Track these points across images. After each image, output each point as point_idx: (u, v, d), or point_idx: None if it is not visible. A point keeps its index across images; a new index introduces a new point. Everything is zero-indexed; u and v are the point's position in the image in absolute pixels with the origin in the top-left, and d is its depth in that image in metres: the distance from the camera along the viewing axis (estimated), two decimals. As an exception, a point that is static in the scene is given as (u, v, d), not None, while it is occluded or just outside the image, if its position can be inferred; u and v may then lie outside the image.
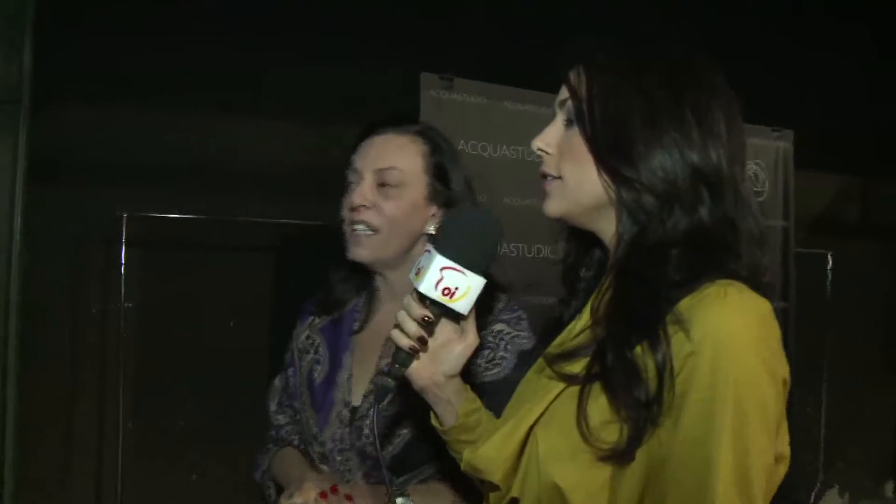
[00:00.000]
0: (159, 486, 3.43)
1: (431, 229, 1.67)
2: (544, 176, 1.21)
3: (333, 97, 3.61)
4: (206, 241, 3.59)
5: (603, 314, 1.11)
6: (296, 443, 1.77)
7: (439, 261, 1.17)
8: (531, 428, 1.10)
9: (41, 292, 3.27)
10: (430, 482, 1.58)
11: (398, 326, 1.23)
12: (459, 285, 1.17)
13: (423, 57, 3.39)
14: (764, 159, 4.16)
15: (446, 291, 1.16)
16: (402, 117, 1.76)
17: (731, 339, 0.97)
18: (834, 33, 4.59)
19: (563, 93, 1.18)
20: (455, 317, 1.22)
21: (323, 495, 1.46)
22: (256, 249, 3.67)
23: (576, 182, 1.15)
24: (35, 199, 3.18)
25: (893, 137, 4.93)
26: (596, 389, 1.05)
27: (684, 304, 1.01)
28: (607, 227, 1.17)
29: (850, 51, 4.70)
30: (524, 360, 1.52)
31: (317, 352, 1.76)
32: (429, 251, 1.20)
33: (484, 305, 1.55)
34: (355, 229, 1.64)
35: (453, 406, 1.28)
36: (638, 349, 1.02)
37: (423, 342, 1.22)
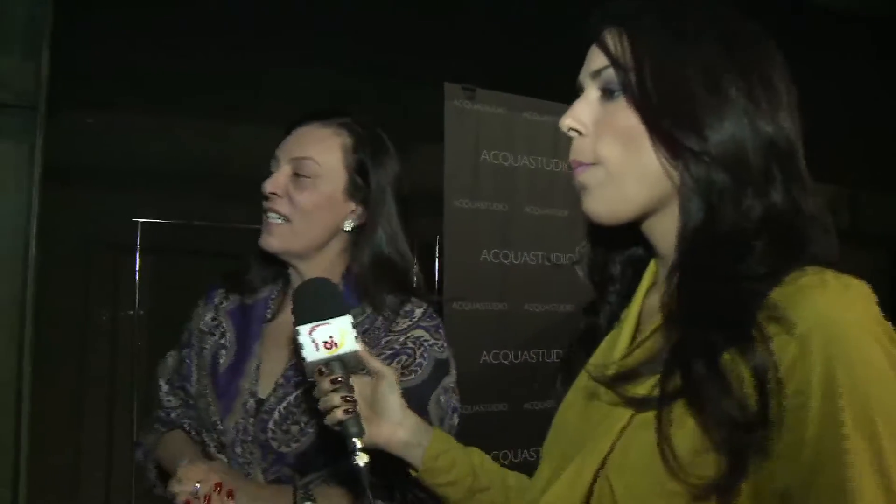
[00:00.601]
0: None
1: (349, 225, 1.62)
2: (576, 166, 1.00)
3: (354, 107, 3.60)
4: (217, 249, 3.59)
5: (672, 320, 0.93)
6: (186, 427, 1.69)
7: (302, 330, 1.21)
8: (600, 468, 0.93)
9: (55, 297, 3.28)
10: (332, 485, 1.53)
11: (325, 411, 1.20)
12: (333, 333, 1.20)
13: (447, 68, 3.37)
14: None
15: (327, 345, 1.20)
16: (333, 109, 1.69)
17: (845, 333, 0.81)
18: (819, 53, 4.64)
19: (598, 61, 0.98)
20: (355, 362, 1.23)
21: (217, 486, 1.43)
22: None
23: (624, 165, 0.96)
24: (50, 204, 3.19)
25: (879, 148, 4.96)
26: (679, 412, 0.88)
27: (776, 296, 0.85)
28: (662, 221, 0.99)
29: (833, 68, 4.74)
30: (439, 370, 1.56)
31: (223, 336, 1.68)
32: (295, 336, 1.23)
33: (400, 310, 1.59)
34: (268, 217, 1.59)
35: (418, 452, 1.24)
36: (727, 356, 0.85)
37: (350, 401, 1.19)
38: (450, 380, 1.58)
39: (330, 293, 1.26)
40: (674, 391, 0.87)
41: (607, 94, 0.97)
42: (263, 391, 1.58)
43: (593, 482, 0.92)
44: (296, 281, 1.64)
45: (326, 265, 1.62)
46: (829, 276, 0.85)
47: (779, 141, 0.93)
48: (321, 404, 1.20)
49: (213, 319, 1.70)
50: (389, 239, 1.61)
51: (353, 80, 3.79)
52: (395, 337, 1.58)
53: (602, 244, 1.10)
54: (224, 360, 1.64)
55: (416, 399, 1.42)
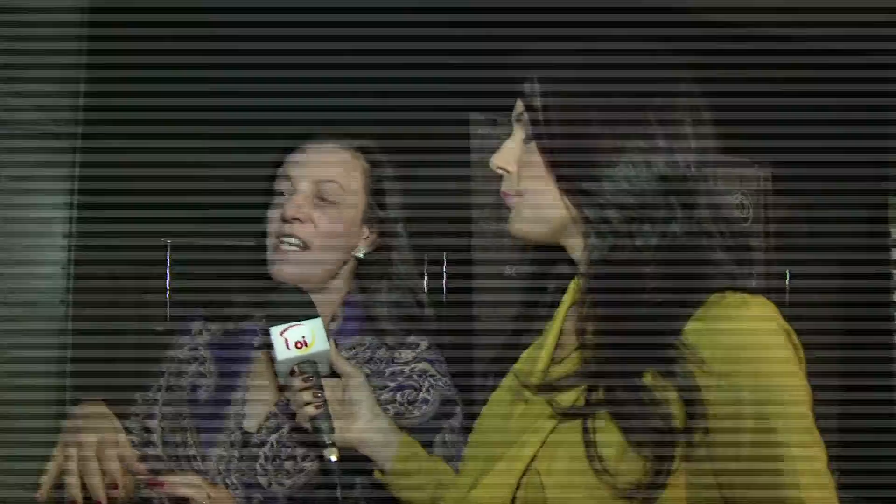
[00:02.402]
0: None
1: (361, 252, 1.54)
2: (505, 196, 1.10)
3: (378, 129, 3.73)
4: (245, 266, 3.68)
5: (593, 339, 0.99)
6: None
7: (274, 331, 1.23)
8: (527, 466, 0.97)
9: (90, 314, 3.40)
10: None
11: (297, 410, 1.23)
12: (304, 333, 1.23)
13: (473, 100, 3.52)
14: (748, 188, 4.56)
15: (299, 344, 1.22)
16: (343, 130, 1.57)
17: (766, 348, 0.90)
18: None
19: (519, 106, 1.08)
20: (325, 364, 1.26)
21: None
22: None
23: (537, 200, 1.05)
24: (85, 224, 3.35)
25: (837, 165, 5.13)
26: (603, 419, 0.93)
27: (696, 321, 0.92)
28: (575, 245, 1.07)
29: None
30: (446, 407, 1.48)
31: (202, 365, 1.55)
32: (268, 341, 1.26)
33: (403, 341, 1.52)
34: (283, 242, 1.45)
35: (385, 454, 1.26)
36: (647, 376, 0.92)
37: (319, 397, 1.20)
38: (456, 419, 1.49)
39: (301, 298, 1.28)
40: (597, 403, 0.94)
41: (527, 140, 1.06)
42: (251, 423, 1.46)
43: (520, 479, 0.97)
44: None
45: (333, 293, 1.53)
46: (745, 297, 0.93)
47: (673, 176, 0.98)
48: (292, 402, 1.23)
49: (191, 350, 1.58)
50: (403, 267, 1.55)
51: (383, 105, 3.90)
52: (399, 369, 1.49)
53: (538, 268, 1.20)
54: (205, 389, 1.52)
55: (422, 437, 1.35)
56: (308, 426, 1.21)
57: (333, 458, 1.16)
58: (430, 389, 1.48)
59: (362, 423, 1.25)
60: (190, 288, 3.59)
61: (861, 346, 5.28)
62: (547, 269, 1.19)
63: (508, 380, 1.12)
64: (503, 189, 1.10)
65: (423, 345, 1.52)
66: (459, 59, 3.92)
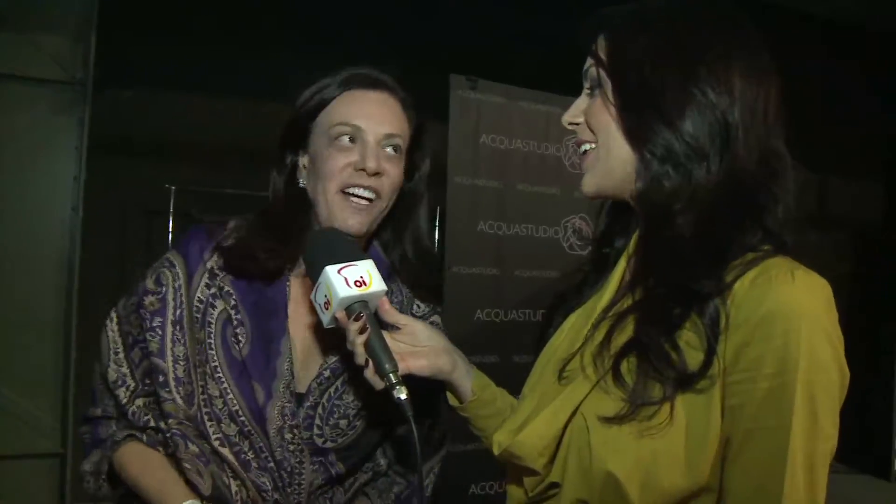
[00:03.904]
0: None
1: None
2: (580, 146, 1.11)
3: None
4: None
5: (639, 282, 1.04)
6: (147, 434, 1.34)
7: (331, 269, 1.18)
8: (575, 411, 1.02)
9: (97, 256, 3.59)
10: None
11: (356, 351, 1.18)
12: (361, 273, 1.19)
13: (451, 60, 3.63)
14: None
15: (358, 283, 1.18)
16: (394, 76, 1.48)
17: (804, 325, 0.90)
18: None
19: (587, 62, 1.10)
20: (376, 302, 1.22)
21: None
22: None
23: (605, 150, 1.06)
24: (94, 172, 3.51)
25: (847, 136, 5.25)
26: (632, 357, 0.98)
27: (740, 284, 0.94)
28: (635, 194, 1.07)
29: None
30: None
31: (235, 311, 1.39)
32: (318, 280, 1.20)
33: (421, 292, 1.52)
34: (355, 195, 1.38)
35: (467, 382, 1.27)
36: (686, 322, 0.95)
37: (380, 338, 1.18)
38: None
39: (349, 240, 1.25)
40: (633, 343, 0.98)
41: (592, 89, 1.09)
42: (301, 385, 1.40)
43: (567, 423, 1.02)
44: None
45: (362, 242, 1.45)
46: (799, 271, 0.93)
47: (730, 127, 0.99)
48: (351, 344, 1.18)
49: (215, 288, 1.40)
50: (423, 222, 1.52)
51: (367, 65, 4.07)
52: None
53: (607, 225, 1.21)
54: (243, 339, 1.37)
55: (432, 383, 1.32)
56: (370, 368, 1.18)
57: (403, 396, 1.12)
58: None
59: (449, 352, 1.27)
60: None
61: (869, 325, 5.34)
62: (618, 226, 1.20)
63: (570, 320, 1.16)
64: (577, 138, 1.12)
65: (434, 306, 1.55)
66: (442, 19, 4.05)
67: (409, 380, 1.16)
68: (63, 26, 3.47)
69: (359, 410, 1.41)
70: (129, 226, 3.92)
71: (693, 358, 0.93)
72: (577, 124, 1.11)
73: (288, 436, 1.36)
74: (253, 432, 1.35)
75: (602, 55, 1.06)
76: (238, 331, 1.37)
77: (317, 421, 1.38)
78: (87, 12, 3.47)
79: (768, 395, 0.90)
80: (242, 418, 1.34)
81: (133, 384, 1.37)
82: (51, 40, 3.46)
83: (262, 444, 1.35)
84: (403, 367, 1.17)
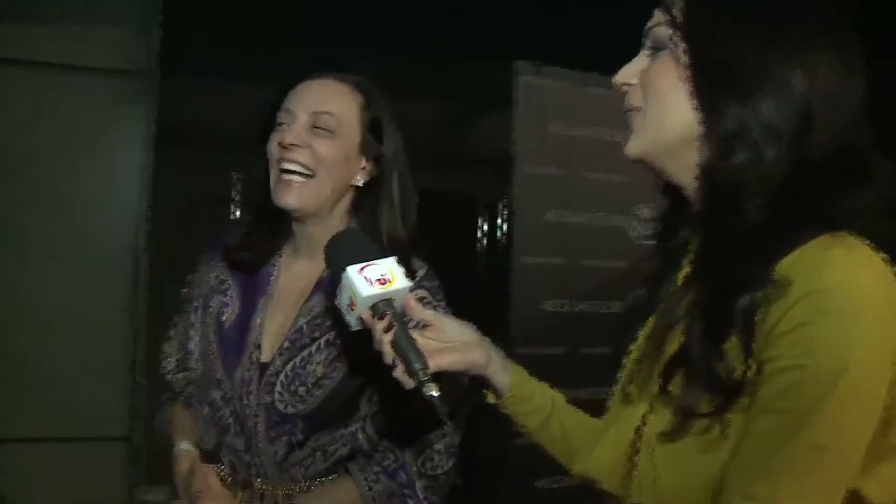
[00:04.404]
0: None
1: (360, 181, 1.58)
2: (628, 111, 1.06)
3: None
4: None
5: (694, 278, 0.99)
6: (185, 396, 1.69)
7: (352, 269, 1.18)
8: (639, 428, 1.00)
9: (164, 244, 3.62)
10: (337, 485, 1.54)
11: (388, 354, 1.16)
12: (384, 271, 1.18)
13: (517, 45, 3.59)
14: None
15: (381, 281, 1.17)
16: (343, 68, 1.63)
17: (845, 304, 0.83)
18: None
19: (655, 18, 1.03)
20: (402, 300, 1.21)
21: None
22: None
23: (659, 112, 1.00)
24: (160, 162, 3.54)
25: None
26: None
27: (787, 260, 0.88)
28: (688, 166, 1.01)
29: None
30: None
31: (225, 294, 1.62)
32: (341, 282, 1.20)
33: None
34: (285, 170, 1.50)
35: (502, 377, 1.24)
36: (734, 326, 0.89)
37: (407, 335, 1.16)
38: None
39: (368, 239, 1.28)
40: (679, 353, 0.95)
41: (655, 49, 1.02)
42: (265, 354, 1.55)
43: (634, 442, 1.01)
44: (301, 242, 1.61)
45: (336, 223, 1.57)
46: (853, 244, 0.87)
47: (813, 106, 0.93)
48: (378, 344, 1.17)
49: (218, 279, 1.64)
50: (401, 199, 1.58)
51: (427, 52, 4.07)
52: None
53: (670, 212, 1.14)
54: (228, 316, 1.60)
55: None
56: (399, 367, 1.15)
57: (435, 393, 1.11)
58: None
59: (481, 346, 1.24)
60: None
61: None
62: (677, 213, 1.13)
63: (645, 330, 1.11)
64: (626, 102, 1.06)
65: (420, 272, 1.58)
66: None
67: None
68: (129, 16, 3.50)
69: (318, 380, 1.50)
70: (195, 215, 3.95)
71: (740, 365, 0.88)
72: (631, 85, 1.05)
73: (245, 401, 1.53)
74: (233, 398, 1.55)
75: (677, 14, 1.00)
76: (227, 310, 1.61)
77: (277, 387, 1.51)
78: (152, 1, 3.50)
79: (785, 380, 0.85)
80: (224, 385, 1.56)
81: (176, 359, 1.70)
82: (116, 30, 3.49)
83: (238, 410, 1.54)
84: (433, 365, 1.14)
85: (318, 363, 1.52)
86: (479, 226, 5.56)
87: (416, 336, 1.17)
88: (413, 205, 1.61)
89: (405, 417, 1.49)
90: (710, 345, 0.90)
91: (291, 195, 1.51)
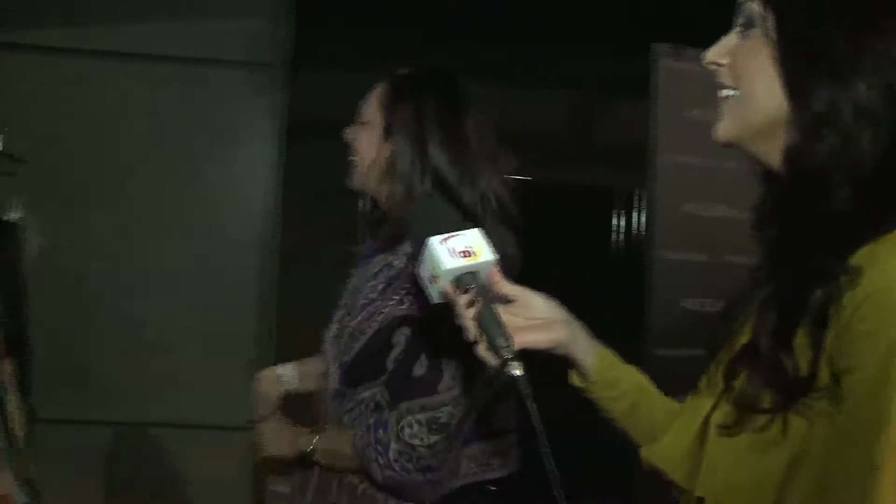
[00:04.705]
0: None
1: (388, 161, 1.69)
2: (720, 90, 1.01)
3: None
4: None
5: (771, 267, 0.96)
6: None
7: (434, 240, 1.12)
8: (706, 421, 0.98)
9: (296, 235, 3.67)
10: (344, 434, 1.59)
11: (470, 330, 1.11)
12: (468, 242, 1.12)
13: (654, 28, 3.45)
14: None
15: (465, 253, 1.11)
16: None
17: None
18: None
19: None
20: (486, 273, 1.14)
21: None
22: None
23: (748, 94, 0.97)
24: (292, 155, 3.57)
25: None
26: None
27: (862, 253, 0.84)
28: (778, 151, 0.97)
29: None
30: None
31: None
32: (423, 252, 1.15)
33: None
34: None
35: (588, 358, 1.18)
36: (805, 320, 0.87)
37: (491, 311, 1.10)
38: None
39: (451, 209, 1.22)
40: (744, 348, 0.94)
41: (746, 25, 0.98)
42: (340, 309, 1.72)
43: (703, 431, 0.98)
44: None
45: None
46: None
47: None
48: (461, 319, 1.12)
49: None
50: (409, 173, 1.63)
51: (559, 40, 3.91)
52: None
53: (769, 194, 1.08)
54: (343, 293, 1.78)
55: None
56: (482, 343, 1.10)
57: (519, 372, 1.05)
58: (399, 291, 1.57)
59: (567, 325, 1.17)
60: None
61: None
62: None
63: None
64: (717, 80, 1.02)
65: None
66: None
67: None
68: (260, 8, 3.51)
69: (356, 334, 1.59)
70: (326, 208, 3.97)
71: (806, 362, 0.85)
72: (721, 65, 1.00)
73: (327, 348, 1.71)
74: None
75: None
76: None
77: (332, 338, 1.68)
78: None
79: (860, 399, 0.82)
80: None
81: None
82: (247, 22, 3.51)
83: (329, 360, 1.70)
84: (518, 342, 1.07)
85: (359, 318, 1.61)
86: (615, 219, 5.39)
87: (501, 309, 1.11)
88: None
89: (407, 383, 1.52)
90: (779, 338, 0.88)
91: (352, 177, 1.75)
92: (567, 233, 4.92)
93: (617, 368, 1.20)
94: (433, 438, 1.49)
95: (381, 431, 1.51)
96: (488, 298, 1.10)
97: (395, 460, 1.49)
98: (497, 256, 1.14)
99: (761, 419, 0.88)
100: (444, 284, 1.11)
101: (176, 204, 3.52)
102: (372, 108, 1.69)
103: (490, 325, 1.07)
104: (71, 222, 3.39)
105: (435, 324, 1.39)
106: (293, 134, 3.54)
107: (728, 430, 0.92)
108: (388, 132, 1.64)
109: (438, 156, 1.60)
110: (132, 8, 3.45)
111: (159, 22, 3.47)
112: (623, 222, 5.37)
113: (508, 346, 1.05)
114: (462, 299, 1.10)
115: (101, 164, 3.50)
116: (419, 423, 1.50)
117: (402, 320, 1.54)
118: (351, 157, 1.73)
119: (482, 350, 1.09)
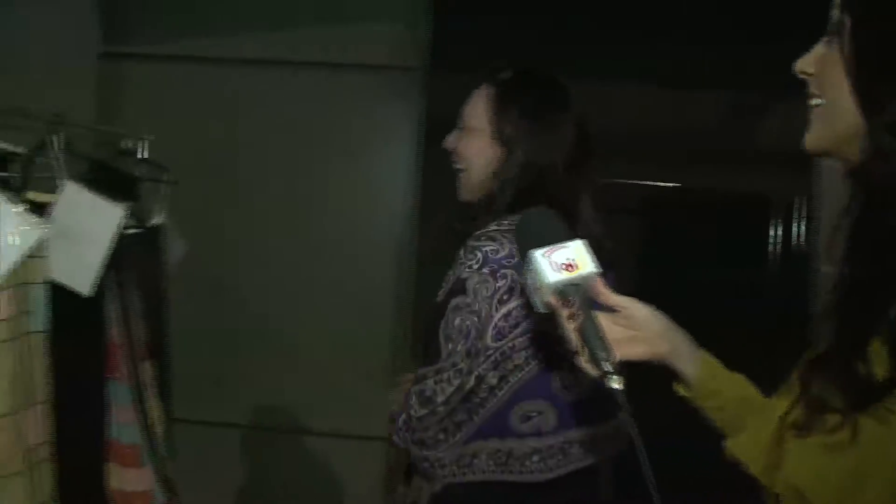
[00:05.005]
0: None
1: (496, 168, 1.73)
2: (810, 99, 1.04)
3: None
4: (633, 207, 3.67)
5: (847, 273, 0.98)
6: None
7: (537, 253, 1.15)
8: (783, 417, 1.00)
9: (433, 240, 3.60)
10: None
11: (573, 341, 1.14)
12: (571, 255, 1.14)
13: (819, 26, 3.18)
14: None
15: (567, 266, 1.14)
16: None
17: None
18: None
19: (836, 2, 1.02)
20: (590, 285, 1.17)
21: None
22: (625, 211, 3.68)
23: (830, 105, 1.00)
24: (431, 160, 3.47)
25: None
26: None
27: None
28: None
29: None
30: (454, 289, 1.60)
31: None
32: (527, 265, 1.18)
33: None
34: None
35: (690, 369, 1.20)
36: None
37: (592, 323, 1.12)
38: (461, 300, 1.56)
39: (557, 221, 1.23)
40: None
41: (831, 34, 0.99)
42: None
43: (780, 428, 0.99)
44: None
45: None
46: None
47: None
48: (563, 330, 1.15)
49: None
50: (515, 177, 1.68)
51: (711, 39, 3.69)
52: None
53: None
54: None
55: (435, 314, 1.56)
56: (583, 355, 1.12)
57: (618, 386, 1.07)
58: (451, 271, 1.60)
59: (670, 337, 1.20)
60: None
61: None
62: None
63: None
64: (808, 90, 1.05)
65: (475, 235, 1.62)
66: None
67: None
68: (397, 11, 3.51)
69: (427, 320, 1.62)
70: (464, 212, 3.90)
71: (882, 368, 0.87)
72: (809, 75, 1.03)
73: None
74: None
75: (850, 5, 0.97)
76: None
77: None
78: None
79: None
80: None
81: None
82: (385, 27, 3.52)
83: None
84: (619, 354, 1.10)
85: (430, 307, 1.63)
86: (772, 229, 5.05)
87: (603, 320, 1.13)
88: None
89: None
90: (853, 344, 0.89)
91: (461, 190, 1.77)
92: (719, 243, 4.67)
93: (720, 378, 1.21)
94: (423, 411, 1.55)
95: (407, 403, 1.61)
96: (590, 310, 1.13)
97: (400, 427, 1.59)
98: (600, 269, 1.15)
99: (831, 421, 0.90)
100: (547, 296, 1.15)
101: (314, 208, 3.56)
102: (478, 114, 1.70)
103: (591, 338, 1.10)
104: (211, 227, 3.46)
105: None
106: (431, 137, 3.48)
107: (799, 430, 0.94)
108: (497, 137, 1.65)
109: (541, 158, 1.61)
110: (272, 16, 3.52)
111: (298, 29, 3.52)
112: (780, 232, 5.04)
113: (609, 360, 1.07)
114: (564, 312, 1.13)
115: (241, 170, 3.58)
116: (416, 394, 1.57)
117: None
118: (457, 167, 1.73)
119: (583, 361, 1.12)
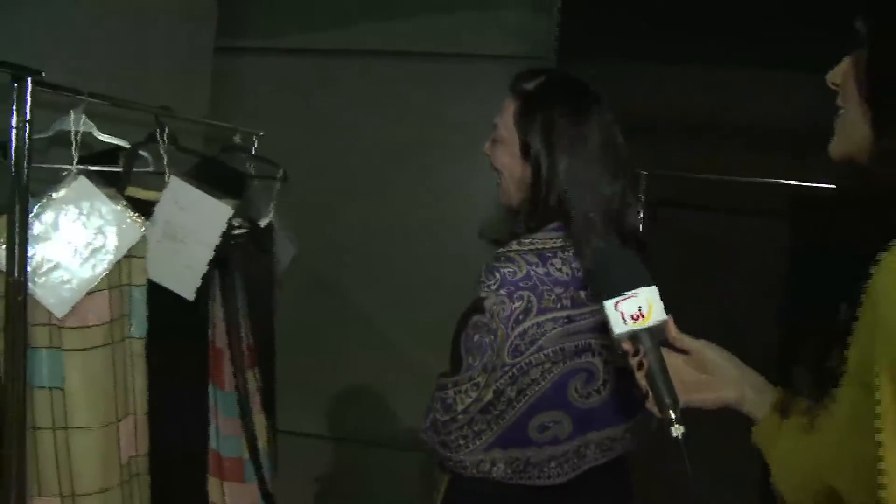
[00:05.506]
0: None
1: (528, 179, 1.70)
2: (839, 110, 1.10)
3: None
4: (717, 203, 3.41)
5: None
6: None
7: (608, 304, 1.21)
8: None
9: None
10: None
11: (641, 383, 1.21)
12: (640, 304, 1.20)
13: None
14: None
15: (635, 316, 1.19)
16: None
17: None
18: None
19: (859, 23, 1.06)
20: (662, 332, 1.23)
21: None
22: (767, 213, 3.37)
23: (850, 113, 1.05)
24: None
25: None
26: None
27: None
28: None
29: None
30: (473, 306, 1.59)
31: None
32: (602, 313, 1.23)
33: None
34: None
35: (758, 412, 1.22)
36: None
37: (662, 371, 1.19)
38: (479, 318, 1.57)
39: (634, 264, 1.26)
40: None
41: (855, 47, 1.04)
42: None
43: None
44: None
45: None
46: None
47: None
48: (635, 373, 1.22)
49: None
50: (547, 190, 1.66)
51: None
52: None
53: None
54: None
55: (457, 327, 1.60)
56: (650, 398, 1.19)
57: (679, 433, 1.12)
58: (474, 288, 1.60)
59: (737, 383, 1.23)
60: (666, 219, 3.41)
61: None
62: None
63: None
64: (838, 102, 1.10)
65: (496, 255, 1.62)
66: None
67: None
68: (526, 1, 3.36)
69: (456, 331, 1.62)
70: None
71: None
72: (837, 86, 1.08)
73: None
74: None
75: (863, 18, 1.01)
76: None
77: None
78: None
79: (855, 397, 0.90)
80: None
81: None
82: (512, 16, 3.36)
83: None
84: (685, 401, 1.16)
85: (460, 318, 1.63)
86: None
87: (675, 361, 1.22)
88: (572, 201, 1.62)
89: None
90: (818, 341, 1.01)
91: (500, 197, 1.77)
92: (876, 251, 4.27)
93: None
94: (444, 417, 1.60)
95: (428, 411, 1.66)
96: (658, 356, 1.19)
97: (427, 427, 1.64)
98: (669, 316, 1.22)
99: (803, 405, 1.04)
100: (620, 341, 1.22)
101: (430, 207, 3.42)
102: (507, 125, 1.70)
103: (658, 384, 1.16)
104: (320, 227, 3.36)
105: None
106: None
107: (811, 425, 1.03)
108: (524, 149, 1.66)
109: (565, 175, 1.61)
110: (392, 6, 3.42)
111: (428, 19, 3.41)
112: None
113: (674, 407, 1.13)
114: (634, 359, 1.21)
115: (352, 167, 3.48)
116: (438, 398, 1.62)
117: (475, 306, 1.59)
118: (496, 175, 1.74)
119: (649, 404, 1.18)
